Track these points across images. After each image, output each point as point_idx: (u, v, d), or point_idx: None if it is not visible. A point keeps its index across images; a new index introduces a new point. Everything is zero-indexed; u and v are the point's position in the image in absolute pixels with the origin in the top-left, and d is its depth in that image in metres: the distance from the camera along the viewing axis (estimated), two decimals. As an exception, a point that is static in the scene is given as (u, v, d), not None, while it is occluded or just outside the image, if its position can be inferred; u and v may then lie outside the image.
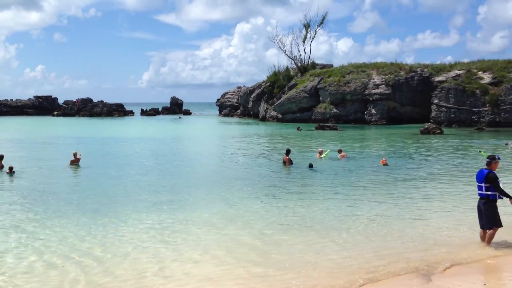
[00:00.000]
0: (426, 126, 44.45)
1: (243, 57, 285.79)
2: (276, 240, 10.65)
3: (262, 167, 22.45)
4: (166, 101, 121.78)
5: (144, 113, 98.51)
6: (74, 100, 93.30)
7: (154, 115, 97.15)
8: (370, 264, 9.08)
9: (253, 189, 16.93)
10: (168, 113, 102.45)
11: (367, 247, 10.11)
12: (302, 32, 71.90)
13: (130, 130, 53.62)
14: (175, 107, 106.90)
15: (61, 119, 77.29)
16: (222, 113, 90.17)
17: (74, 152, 23.00)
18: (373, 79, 58.10)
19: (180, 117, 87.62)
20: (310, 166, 21.47)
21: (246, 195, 15.81)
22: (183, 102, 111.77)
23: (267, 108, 67.43)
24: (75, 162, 22.58)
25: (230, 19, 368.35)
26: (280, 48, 72.67)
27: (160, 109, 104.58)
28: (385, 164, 22.02)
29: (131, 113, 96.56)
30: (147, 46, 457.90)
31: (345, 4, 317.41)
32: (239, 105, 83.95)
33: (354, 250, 9.88)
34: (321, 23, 71.58)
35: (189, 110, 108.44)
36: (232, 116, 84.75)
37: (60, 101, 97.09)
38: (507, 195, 9.95)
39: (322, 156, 25.32)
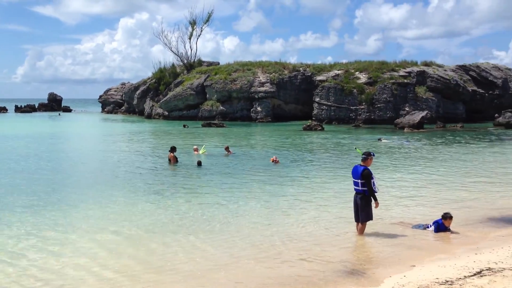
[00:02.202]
0: (309, 123, 46.21)
1: (127, 52, 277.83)
2: (161, 242, 10.29)
3: (146, 166, 21.80)
4: (43, 97, 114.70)
5: (18, 109, 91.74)
6: None
7: (30, 111, 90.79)
8: (254, 266, 9.05)
9: (137, 188, 16.32)
10: (45, 110, 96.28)
11: (250, 248, 10.09)
12: (188, 29, 71.41)
13: (3, 127, 49.56)
14: (54, 104, 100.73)
15: None
16: (105, 110, 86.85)
17: None
18: (259, 78, 59.21)
19: (59, 114, 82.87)
20: (199, 163, 21.22)
21: (129, 195, 15.18)
22: (62, 98, 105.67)
23: (152, 105, 66.01)
24: None
25: (113, 13, 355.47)
26: (166, 45, 71.58)
27: (36, 106, 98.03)
28: (276, 162, 22.26)
29: (3, 109, 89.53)
30: (22, 38, 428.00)
31: (230, 3, 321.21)
32: (124, 102, 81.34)
33: (238, 252, 9.82)
34: (207, 20, 71.60)
35: (69, 107, 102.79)
36: (116, 113, 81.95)
37: None
38: (374, 197, 10.50)
39: (200, 152, 25.25)
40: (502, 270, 7.93)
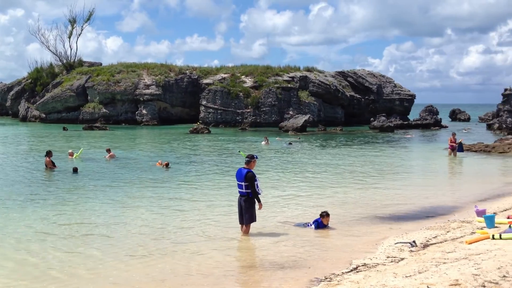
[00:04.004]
0: (195, 127, 46.04)
1: (0, 50, 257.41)
2: (36, 251, 9.45)
3: (20, 171, 20.24)
4: None
5: None
6: None
7: None
8: (139, 271, 8.63)
9: (8, 195, 14.99)
10: None
11: (132, 253, 9.62)
12: (67, 28, 67.84)
13: None
14: None
15: None
16: (-26, 112, 79.76)
17: None
18: (144, 80, 57.87)
19: None
20: (74, 170, 19.91)
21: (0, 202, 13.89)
22: None
23: (28, 107, 61.79)
24: None
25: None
26: (43, 43, 67.30)
27: None
28: (164, 166, 21.49)
29: None
30: None
31: (113, 2, 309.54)
32: (-5, 104, 75.36)
33: (122, 257, 9.32)
34: (88, 19, 68.54)
35: None
36: (-14, 115, 75.61)
37: None
38: (257, 199, 10.62)
39: (74, 156, 24.06)
40: (376, 265, 8.28)
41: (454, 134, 28.06)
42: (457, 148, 27.42)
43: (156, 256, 9.35)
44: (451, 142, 27.37)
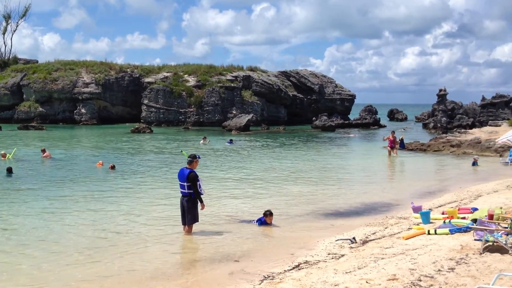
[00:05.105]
0: (137, 126, 45.24)
1: None
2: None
3: None
4: None
5: None
6: None
7: None
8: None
9: None
10: None
11: (79, 261, 9.29)
12: (2, 24, 65.11)
13: None
14: None
15: None
16: None
17: None
18: (83, 78, 56.27)
19: None
20: (9, 170, 19.04)
21: None
22: None
23: (-42, 106, 58.68)
24: None
25: None
26: (-24, 39, 64.22)
27: None
28: (109, 168, 20.82)
29: None
30: None
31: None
32: None
33: (63, 260, 8.97)
34: (24, 15, 66.19)
35: None
36: None
37: None
38: (200, 199, 10.54)
39: (9, 157, 23.08)
40: (317, 262, 8.37)
41: (393, 132, 28.31)
42: (399, 144, 28.74)
43: (98, 256, 9.12)
44: (389, 140, 27.52)
